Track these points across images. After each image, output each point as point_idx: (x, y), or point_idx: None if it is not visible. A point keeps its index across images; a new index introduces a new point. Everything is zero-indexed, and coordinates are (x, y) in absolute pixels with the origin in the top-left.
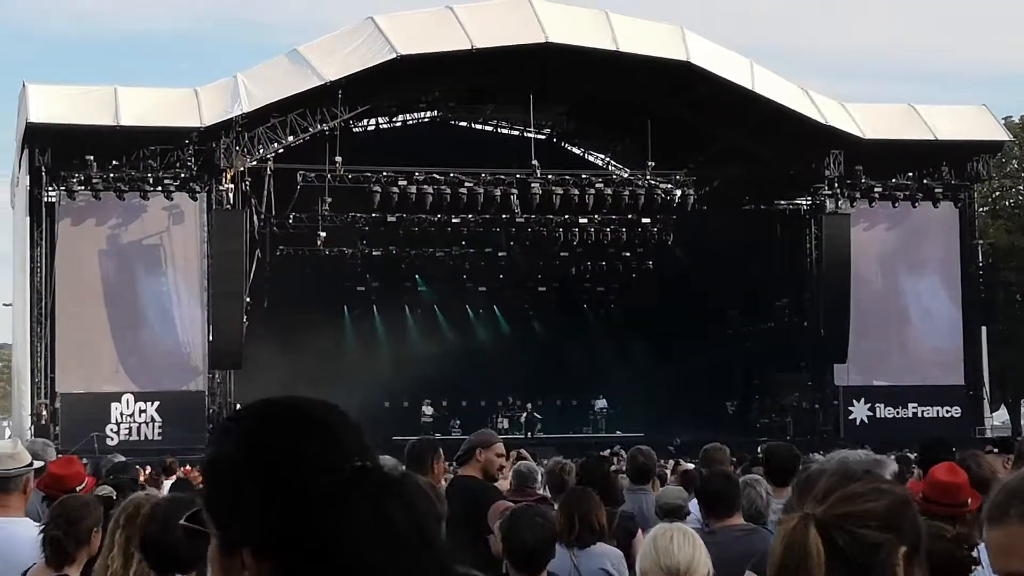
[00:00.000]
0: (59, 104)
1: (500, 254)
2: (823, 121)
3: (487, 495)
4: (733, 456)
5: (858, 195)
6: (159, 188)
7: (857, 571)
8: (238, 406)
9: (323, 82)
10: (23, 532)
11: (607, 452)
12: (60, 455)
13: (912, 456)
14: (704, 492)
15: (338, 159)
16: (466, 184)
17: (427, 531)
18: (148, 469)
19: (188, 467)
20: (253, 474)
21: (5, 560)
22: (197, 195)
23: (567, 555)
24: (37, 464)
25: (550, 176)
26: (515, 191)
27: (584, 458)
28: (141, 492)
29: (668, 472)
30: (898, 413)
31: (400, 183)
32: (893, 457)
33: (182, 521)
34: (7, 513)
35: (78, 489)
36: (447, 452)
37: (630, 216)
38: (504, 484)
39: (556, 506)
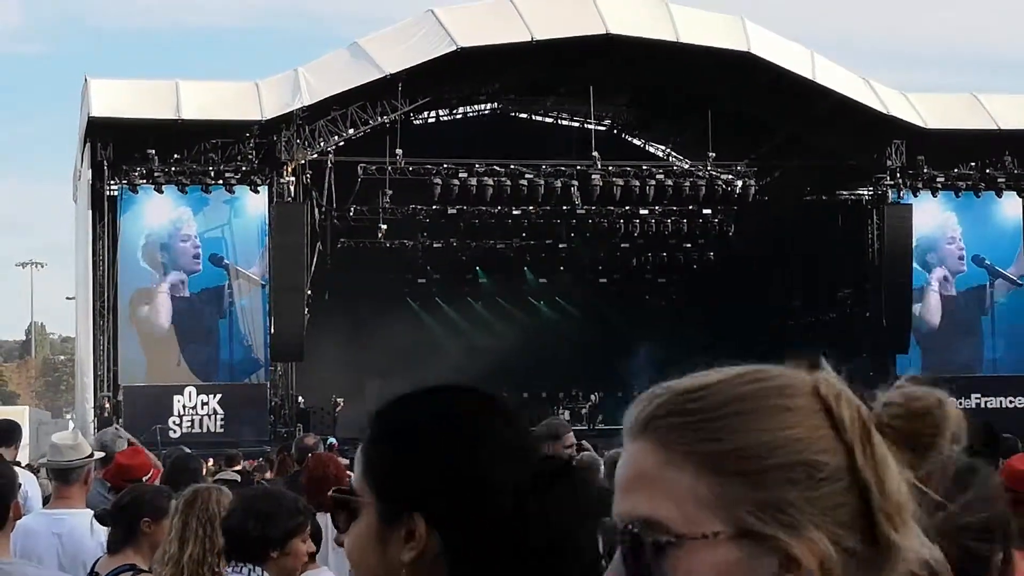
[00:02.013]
0: (120, 98)
1: (561, 246)
2: (885, 111)
3: None
4: None
5: (920, 185)
6: (220, 181)
7: None
8: (300, 399)
9: (383, 75)
10: (84, 523)
11: None
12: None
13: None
14: None
15: (398, 151)
16: (526, 176)
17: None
18: (211, 461)
19: (252, 460)
20: (448, 442)
21: (67, 552)
22: (258, 188)
23: None
24: (98, 455)
25: (611, 167)
26: (575, 183)
27: None
28: (202, 483)
29: None
30: (961, 403)
31: (460, 175)
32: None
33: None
34: (68, 505)
35: (144, 480)
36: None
37: (691, 207)
38: None
39: None
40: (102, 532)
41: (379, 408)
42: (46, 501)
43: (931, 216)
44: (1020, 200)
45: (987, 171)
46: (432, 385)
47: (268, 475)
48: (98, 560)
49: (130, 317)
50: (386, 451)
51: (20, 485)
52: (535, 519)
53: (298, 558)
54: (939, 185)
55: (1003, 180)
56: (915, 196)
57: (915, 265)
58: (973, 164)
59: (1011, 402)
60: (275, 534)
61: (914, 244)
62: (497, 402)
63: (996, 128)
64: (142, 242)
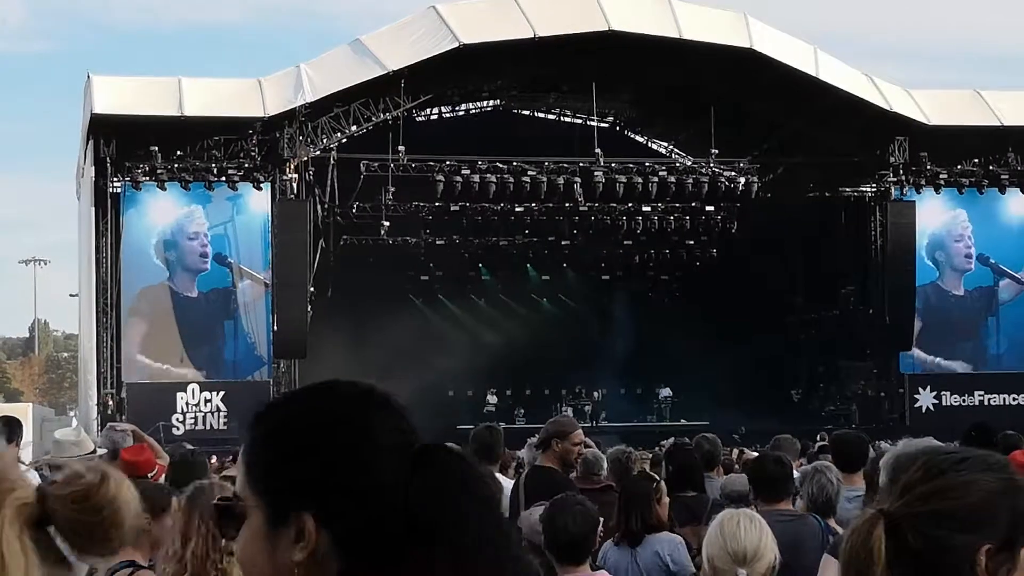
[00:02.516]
0: (123, 95)
1: (563, 243)
2: (888, 107)
3: (560, 487)
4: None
5: (923, 182)
6: (223, 178)
7: (926, 570)
8: None
9: (386, 72)
10: None
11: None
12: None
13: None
14: (756, 475)
15: (401, 148)
16: (529, 173)
17: (497, 505)
18: (214, 459)
19: None
20: (327, 438)
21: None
22: (261, 185)
23: (627, 551)
24: (102, 451)
25: (613, 164)
26: (578, 180)
27: (671, 447)
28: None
29: (733, 460)
30: (964, 401)
31: (463, 172)
32: (956, 445)
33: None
34: None
35: (149, 476)
36: (512, 440)
37: (694, 204)
38: None
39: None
40: None
41: (257, 411)
42: None
43: (939, 214)
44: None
45: (990, 167)
46: (309, 384)
47: None
48: None
49: (130, 313)
50: (266, 452)
51: None
52: (418, 504)
53: None
54: (942, 182)
55: (1006, 177)
56: (918, 193)
57: (926, 261)
58: (976, 160)
59: (1014, 399)
60: None
61: (924, 242)
62: (373, 393)
63: (999, 124)
64: (154, 240)
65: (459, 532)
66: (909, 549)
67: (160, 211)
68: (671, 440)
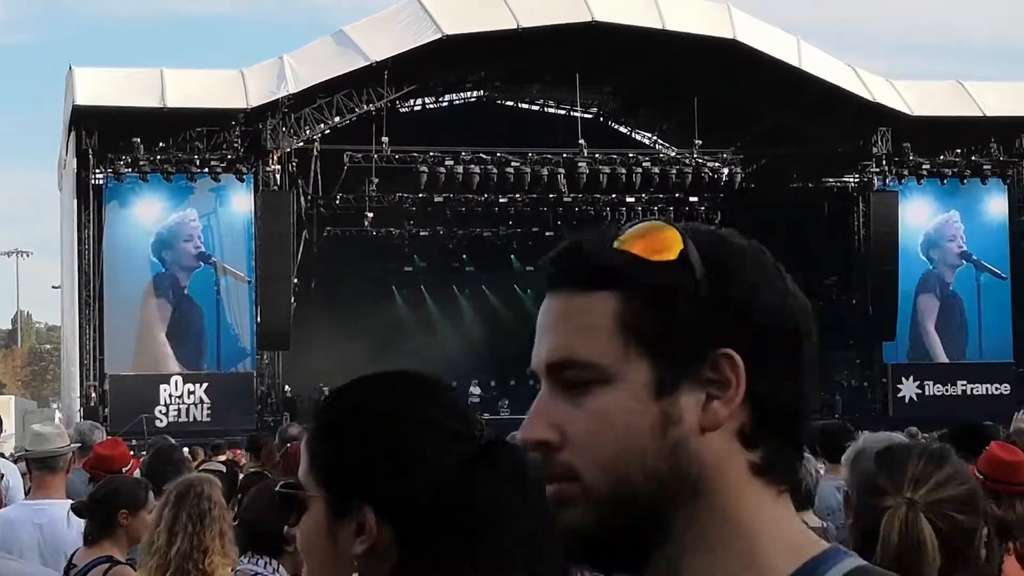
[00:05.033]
0: (106, 87)
1: (547, 234)
2: (871, 98)
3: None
4: None
5: (906, 172)
6: (206, 170)
7: (954, 555)
8: (287, 388)
9: (369, 63)
10: (65, 514)
11: None
12: (109, 437)
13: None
14: None
15: (385, 139)
16: (513, 164)
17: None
18: (200, 452)
19: (237, 449)
20: (392, 431)
21: (47, 542)
22: (244, 176)
23: None
24: (75, 445)
25: (597, 155)
26: (562, 170)
27: None
28: (193, 473)
29: None
30: (947, 391)
31: (447, 163)
32: (935, 435)
33: (279, 488)
34: (50, 495)
35: (123, 470)
36: (497, 432)
37: (677, 195)
38: None
39: None
40: (79, 522)
41: (322, 399)
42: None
43: (932, 215)
44: (1006, 187)
45: (972, 158)
46: (370, 373)
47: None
48: (75, 552)
49: (115, 306)
50: (328, 443)
51: (2, 476)
52: (478, 499)
53: None
54: (925, 172)
55: (988, 167)
56: (900, 183)
57: (921, 257)
58: (959, 151)
59: (996, 389)
60: None
61: (919, 240)
62: (435, 385)
63: (982, 115)
64: (151, 238)
65: (515, 533)
66: (939, 535)
67: (149, 207)
68: None
